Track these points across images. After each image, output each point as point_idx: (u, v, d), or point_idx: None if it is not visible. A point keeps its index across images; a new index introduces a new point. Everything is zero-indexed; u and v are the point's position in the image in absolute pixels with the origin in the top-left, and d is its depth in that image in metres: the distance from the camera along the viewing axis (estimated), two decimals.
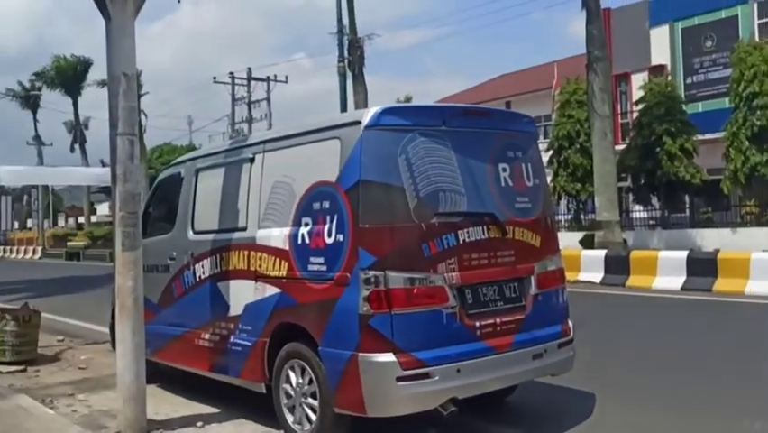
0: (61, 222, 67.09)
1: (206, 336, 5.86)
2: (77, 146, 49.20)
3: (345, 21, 26.67)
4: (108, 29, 5.37)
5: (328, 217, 4.71)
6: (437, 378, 4.45)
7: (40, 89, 50.31)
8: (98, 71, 46.90)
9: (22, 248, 46.39)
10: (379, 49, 63.52)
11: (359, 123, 4.64)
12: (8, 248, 48.88)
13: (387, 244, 4.49)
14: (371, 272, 4.40)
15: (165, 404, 6.08)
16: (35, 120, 53.21)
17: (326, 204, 4.75)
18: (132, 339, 5.22)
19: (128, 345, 5.22)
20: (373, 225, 4.49)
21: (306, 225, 4.89)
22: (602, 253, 16.08)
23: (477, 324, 4.68)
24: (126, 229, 5.28)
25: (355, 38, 26.40)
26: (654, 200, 24.50)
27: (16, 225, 65.01)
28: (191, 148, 38.00)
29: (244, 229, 5.54)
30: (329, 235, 4.68)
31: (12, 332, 8.05)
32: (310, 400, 4.83)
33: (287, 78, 39.22)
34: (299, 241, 4.93)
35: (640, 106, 24.11)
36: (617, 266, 15.12)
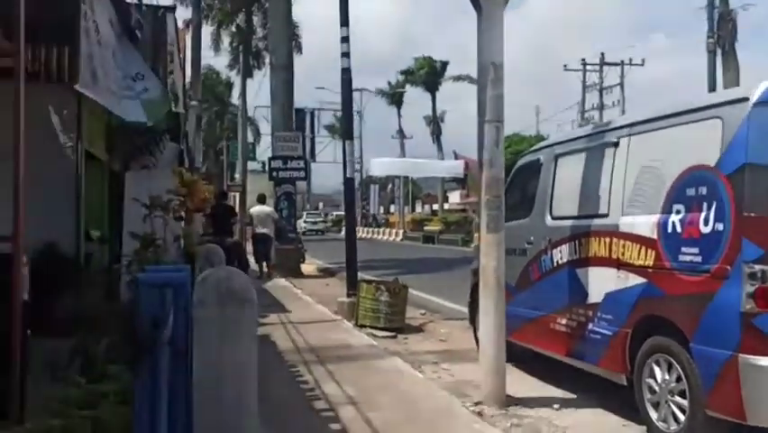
0: (418, 208, 73.71)
1: (562, 321, 5.87)
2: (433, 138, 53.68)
3: None
4: (479, 20, 5.68)
5: (705, 204, 4.35)
6: None
7: (403, 87, 55.89)
8: (455, 68, 50.32)
9: (387, 230, 52.12)
10: (751, 21, 56.29)
11: (746, 99, 4.19)
12: (376, 230, 55.32)
13: None
14: (757, 267, 3.95)
15: (521, 383, 6.25)
16: (399, 115, 59.42)
17: (703, 190, 4.40)
18: (495, 316, 5.48)
19: (491, 321, 5.50)
20: (760, 214, 4.02)
21: (678, 212, 4.58)
22: None
23: None
24: (491, 212, 5.56)
25: (727, 10, 23.83)
26: None
27: (381, 209, 73.41)
28: (539, 138, 38.42)
29: (606, 216, 5.41)
30: (705, 224, 4.32)
31: (385, 302, 9.13)
32: (677, 399, 4.52)
33: (643, 60, 37.28)
34: (669, 229, 4.64)
35: None
36: None
